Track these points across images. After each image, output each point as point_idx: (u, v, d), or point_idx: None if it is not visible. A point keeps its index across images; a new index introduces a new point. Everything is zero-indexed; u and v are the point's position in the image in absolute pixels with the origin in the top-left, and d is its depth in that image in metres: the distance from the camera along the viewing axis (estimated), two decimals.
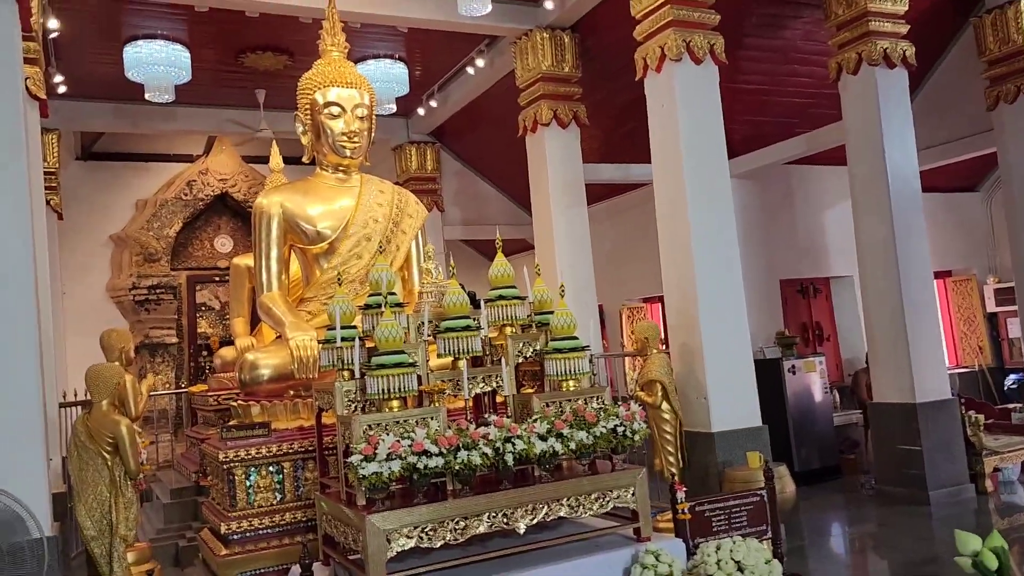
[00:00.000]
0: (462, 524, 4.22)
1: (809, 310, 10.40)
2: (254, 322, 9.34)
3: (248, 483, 5.15)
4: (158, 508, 7.39)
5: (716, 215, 6.38)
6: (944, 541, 5.87)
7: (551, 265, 8.06)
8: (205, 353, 12.49)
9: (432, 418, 4.38)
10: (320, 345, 4.78)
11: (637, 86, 9.08)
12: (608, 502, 4.62)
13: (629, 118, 9.09)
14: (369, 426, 4.25)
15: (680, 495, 4.92)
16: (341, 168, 6.57)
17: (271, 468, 5.22)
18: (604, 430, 4.61)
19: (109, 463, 4.56)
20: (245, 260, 9.07)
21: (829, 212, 10.27)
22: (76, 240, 11.48)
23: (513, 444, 4.33)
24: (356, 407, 4.53)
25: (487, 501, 4.30)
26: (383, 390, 4.31)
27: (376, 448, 4.08)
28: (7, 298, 4.39)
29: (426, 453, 4.14)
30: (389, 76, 9.23)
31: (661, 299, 11.34)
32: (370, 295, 4.90)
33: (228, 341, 14.21)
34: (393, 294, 4.86)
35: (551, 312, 5.23)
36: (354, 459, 4.07)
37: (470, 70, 9.46)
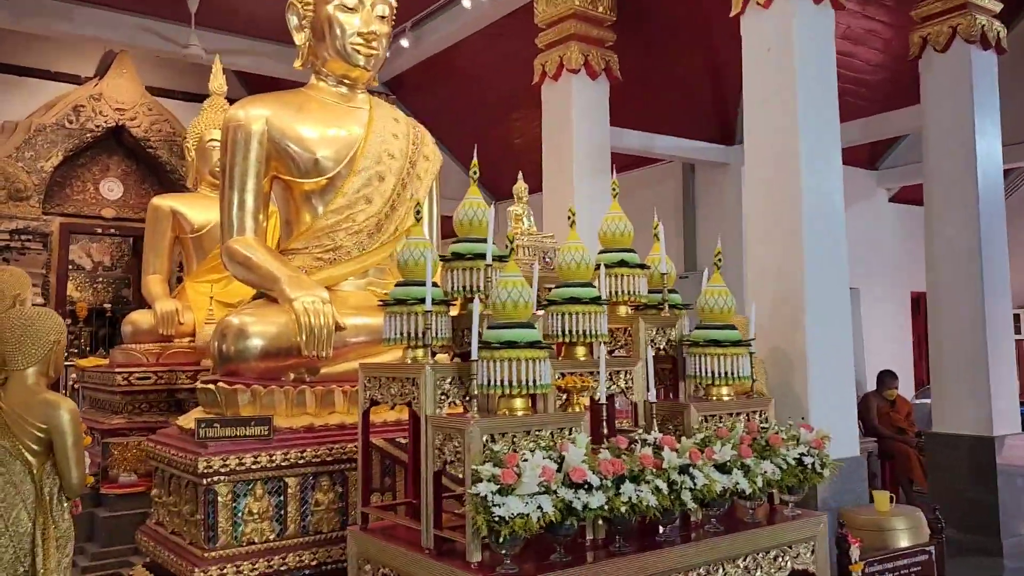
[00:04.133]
0: None
1: None
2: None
3: (236, 507, 3.49)
4: None
5: (831, 187, 5.28)
6: None
7: None
8: (69, 321, 10.33)
9: (573, 430, 2.95)
10: (387, 307, 3.20)
11: (675, 43, 7.96)
12: (787, 561, 3.34)
13: (660, 80, 7.90)
14: (491, 436, 2.76)
15: (855, 552, 3.70)
16: (347, 82, 5.03)
17: (271, 486, 3.58)
18: (791, 461, 3.33)
19: (35, 472, 2.79)
20: (168, 201, 7.18)
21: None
22: None
23: (692, 477, 2.96)
24: (448, 403, 3.03)
25: (654, 562, 2.92)
26: (506, 381, 2.83)
27: (520, 474, 2.60)
28: None
29: (585, 485, 2.70)
30: None
31: None
32: (458, 241, 3.36)
33: (99, 310, 12.10)
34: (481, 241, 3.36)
35: (674, 291, 3.93)
36: (484, 489, 2.56)
37: (466, 2, 7.93)
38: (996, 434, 6.27)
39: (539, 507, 2.58)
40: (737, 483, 3.08)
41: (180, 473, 3.64)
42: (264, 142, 4.67)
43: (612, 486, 2.75)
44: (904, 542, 4.49)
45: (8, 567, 2.71)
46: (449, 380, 3.00)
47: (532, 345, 2.86)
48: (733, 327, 3.58)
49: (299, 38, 5.06)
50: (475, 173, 3.45)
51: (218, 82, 7.50)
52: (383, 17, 4.93)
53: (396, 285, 3.24)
